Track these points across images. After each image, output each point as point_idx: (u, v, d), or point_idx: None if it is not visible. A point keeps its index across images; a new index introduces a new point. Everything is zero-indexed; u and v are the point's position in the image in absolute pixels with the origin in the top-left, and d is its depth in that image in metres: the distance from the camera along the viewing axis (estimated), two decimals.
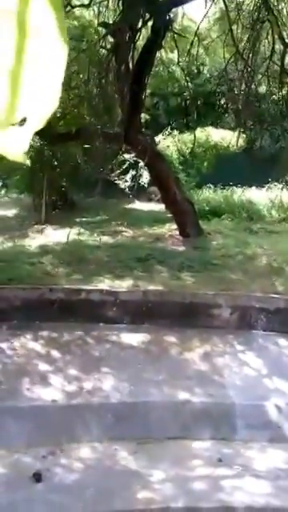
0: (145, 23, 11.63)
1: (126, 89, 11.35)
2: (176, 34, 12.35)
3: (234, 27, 11.91)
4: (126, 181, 16.87)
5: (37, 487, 5.52)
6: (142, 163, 16.23)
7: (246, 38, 12.35)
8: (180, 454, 6.27)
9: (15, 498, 5.33)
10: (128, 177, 17.06)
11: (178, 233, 12.64)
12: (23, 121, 0.93)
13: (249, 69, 12.37)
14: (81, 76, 13.35)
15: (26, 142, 0.97)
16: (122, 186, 16.92)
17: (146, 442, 6.43)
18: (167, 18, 11.60)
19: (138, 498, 5.44)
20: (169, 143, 19.72)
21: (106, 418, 6.66)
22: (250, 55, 12.19)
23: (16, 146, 0.96)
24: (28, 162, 15.45)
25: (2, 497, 5.33)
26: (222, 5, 12.46)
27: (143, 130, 13.27)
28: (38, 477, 5.62)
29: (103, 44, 12.78)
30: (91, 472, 5.84)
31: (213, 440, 6.58)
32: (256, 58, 12.63)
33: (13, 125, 0.93)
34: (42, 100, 0.93)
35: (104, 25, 12.63)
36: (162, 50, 13.24)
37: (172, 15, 12.45)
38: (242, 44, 12.31)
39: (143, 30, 11.93)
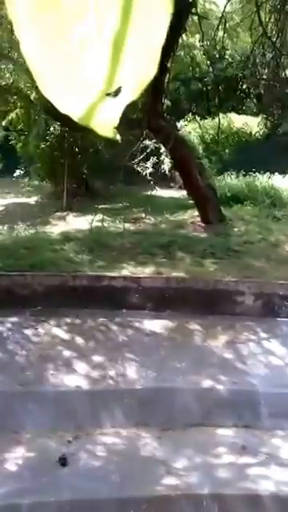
0: None
1: None
2: (199, 16, 12.17)
3: (261, 10, 11.78)
4: (147, 167, 16.79)
5: (63, 471, 5.55)
6: (162, 150, 16.16)
7: (272, 21, 12.18)
8: (204, 440, 6.27)
9: (42, 481, 5.37)
10: (149, 163, 16.99)
11: (199, 219, 12.58)
12: (117, 91, 0.87)
13: (277, 52, 12.24)
14: None
15: (118, 115, 0.90)
16: (143, 173, 16.84)
17: (170, 428, 6.44)
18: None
19: (162, 483, 5.45)
20: (190, 129, 19.64)
21: (129, 404, 6.67)
22: (276, 38, 12.05)
23: (107, 118, 0.90)
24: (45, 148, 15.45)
25: (29, 480, 5.36)
26: None
27: (165, 115, 13.18)
28: (63, 461, 5.65)
29: None
30: (116, 457, 5.86)
31: (236, 427, 6.57)
32: (283, 41, 12.45)
33: (107, 95, 0.88)
34: (141, 68, 0.87)
35: None
36: (184, 34, 13.09)
37: None
38: (269, 27, 12.17)
39: None
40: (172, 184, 18.75)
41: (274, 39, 11.96)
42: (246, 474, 5.66)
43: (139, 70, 0.86)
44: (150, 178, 16.12)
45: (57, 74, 0.88)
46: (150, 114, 11.63)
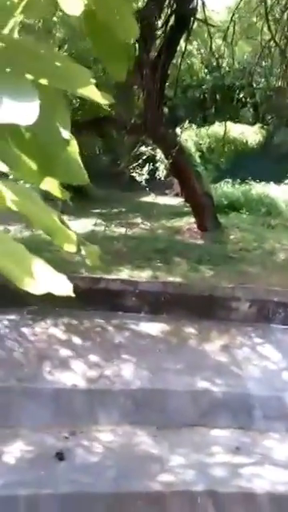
0: (172, 12, 11.53)
1: (149, 79, 11.34)
2: (202, 22, 12.23)
3: (262, 19, 11.90)
4: (143, 174, 16.90)
5: (60, 466, 5.64)
6: (158, 157, 16.29)
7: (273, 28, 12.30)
8: (199, 440, 6.37)
9: (40, 474, 5.45)
10: (145, 170, 17.10)
11: (196, 226, 12.70)
12: None
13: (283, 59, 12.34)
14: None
15: None
16: (139, 179, 16.96)
17: (165, 427, 6.53)
18: (191, 6, 11.55)
19: (158, 480, 5.54)
20: (186, 137, 19.77)
21: (125, 404, 6.76)
22: (286, 47, 12.15)
23: None
24: None
25: (27, 473, 5.44)
26: None
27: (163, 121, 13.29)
28: (60, 456, 5.74)
29: None
30: (111, 454, 5.94)
31: (231, 429, 6.67)
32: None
33: None
34: None
35: None
36: (181, 41, 13.19)
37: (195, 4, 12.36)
38: (267, 37, 12.31)
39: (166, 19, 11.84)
40: (167, 191, 18.88)
41: (283, 47, 12.05)
42: (240, 473, 5.75)
43: None
44: (145, 184, 16.23)
45: None
46: (153, 121, 11.73)
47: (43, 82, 1.34)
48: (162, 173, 17.73)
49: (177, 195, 17.40)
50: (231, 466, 5.87)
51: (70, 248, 1.40)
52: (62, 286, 1.25)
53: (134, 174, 16.35)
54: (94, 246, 1.64)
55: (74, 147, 1.42)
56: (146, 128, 11.91)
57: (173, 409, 6.79)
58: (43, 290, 1.25)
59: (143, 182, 16.26)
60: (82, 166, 1.46)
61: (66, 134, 1.41)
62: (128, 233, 12.65)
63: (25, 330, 7.98)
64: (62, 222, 1.36)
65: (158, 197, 17.45)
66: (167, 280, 9.35)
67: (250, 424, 6.75)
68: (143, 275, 9.49)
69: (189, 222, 13.34)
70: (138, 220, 14.23)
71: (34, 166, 1.39)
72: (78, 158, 1.45)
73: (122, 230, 12.80)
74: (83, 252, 1.52)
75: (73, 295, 1.23)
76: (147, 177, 16.61)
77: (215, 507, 5.36)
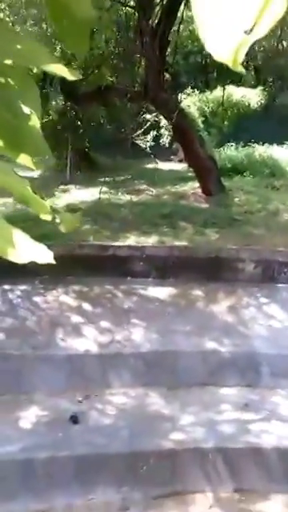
0: None
1: (149, 47, 11.38)
2: None
3: None
4: (147, 141, 16.93)
5: (74, 428, 5.87)
6: (162, 123, 16.33)
7: None
8: (208, 399, 6.58)
9: (56, 438, 5.68)
10: (149, 137, 17.12)
11: (200, 190, 12.80)
12: (252, 28, 0.89)
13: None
14: (103, 36, 13.42)
15: (244, 52, 0.92)
16: (143, 146, 16.99)
17: (176, 388, 6.74)
18: None
19: (169, 438, 5.76)
20: (189, 103, 19.77)
21: (136, 366, 6.97)
22: None
23: (240, 55, 0.92)
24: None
25: (44, 437, 5.68)
26: None
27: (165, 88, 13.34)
28: (75, 419, 5.97)
29: (127, 1, 12.83)
30: (124, 415, 6.16)
31: (239, 386, 6.88)
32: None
33: (245, 32, 0.90)
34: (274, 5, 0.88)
35: None
36: (181, 7, 13.18)
37: None
38: None
39: None
40: (172, 157, 18.92)
41: None
42: (248, 429, 5.97)
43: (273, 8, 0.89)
44: (150, 151, 16.29)
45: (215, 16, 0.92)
46: (154, 87, 11.79)
47: (7, 62, 1.44)
48: (166, 139, 17.77)
49: (181, 161, 17.41)
50: (240, 423, 6.08)
51: (46, 217, 1.52)
52: (43, 255, 1.32)
53: (138, 142, 16.41)
54: (68, 213, 1.76)
55: (35, 122, 1.54)
56: (146, 94, 11.97)
57: (182, 369, 7.00)
58: (25, 259, 1.30)
59: (148, 149, 16.34)
60: (43, 139, 1.58)
61: (27, 109, 1.52)
62: (133, 199, 12.78)
63: (37, 298, 8.18)
64: (35, 192, 1.48)
65: (163, 163, 17.51)
66: (174, 244, 9.49)
67: (258, 381, 6.96)
68: (150, 241, 9.64)
69: (193, 186, 13.44)
70: (143, 186, 14.34)
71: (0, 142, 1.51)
72: (40, 132, 1.57)
73: (128, 197, 12.92)
74: (57, 220, 1.64)
75: (54, 262, 1.30)
76: (152, 143, 16.67)
77: (225, 463, 5.58)
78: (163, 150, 17.79)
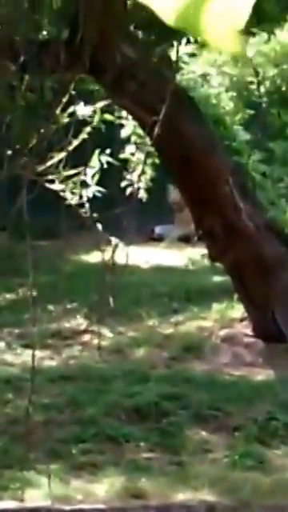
0: None
1: None
2: None
3: None
4: (86, 186, 5.53)
5: None
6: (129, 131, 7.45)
7: None
8: None
9: None
10: (90, 175, 5.37)
11: (250, 329, 6.26)
12: None
13: None
14: None
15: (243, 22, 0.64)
16: (74, 200, 5.94)
17: None
18: None
19: None
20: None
21: None
22: None
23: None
24: None
25: None
26: None
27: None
28: None
29: None
30: None
31: None
32: None
33: None
34: None
35: None
36: None
37: None
38: None
39: None
40: (157, 230, 10.76)
41: None
42: None
43: None
44: (95, 217, 8.60)
45: None
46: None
47: None
48: (140, 180, 7.12)
49: (186, 239, 9.29)
50: None
51: None
52: None
53: (62, 190, 5.81)
54: None
55: None
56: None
57: None
58: None
59: (86, 207, 5.87)
60: None
61: None
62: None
63: None
64: None
65: (138, 247, 8.18)
66: None
67: None
68: None
69: (227, 317, 6.73)
70: (83, 326, 6.88)
71: None
72: None
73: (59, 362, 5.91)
74: None
75: None
76: (97, 192, 6.11)
77: None
78: (138, 209, 7.12)
